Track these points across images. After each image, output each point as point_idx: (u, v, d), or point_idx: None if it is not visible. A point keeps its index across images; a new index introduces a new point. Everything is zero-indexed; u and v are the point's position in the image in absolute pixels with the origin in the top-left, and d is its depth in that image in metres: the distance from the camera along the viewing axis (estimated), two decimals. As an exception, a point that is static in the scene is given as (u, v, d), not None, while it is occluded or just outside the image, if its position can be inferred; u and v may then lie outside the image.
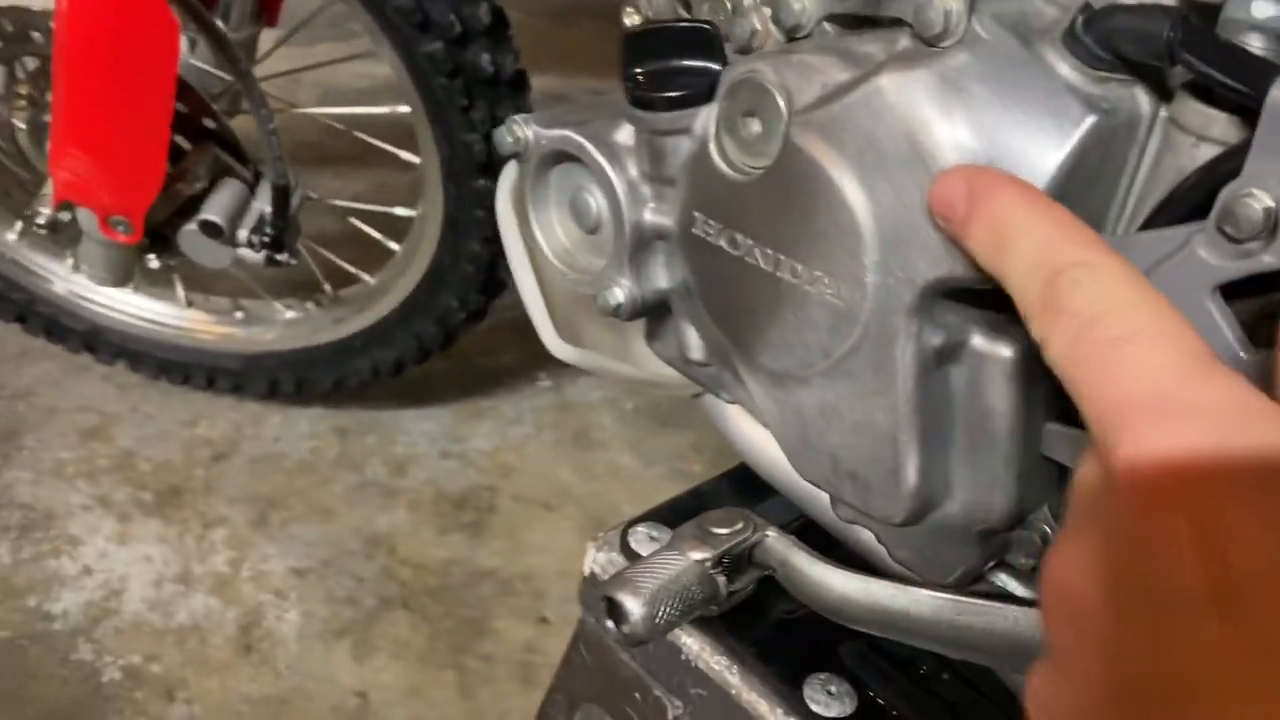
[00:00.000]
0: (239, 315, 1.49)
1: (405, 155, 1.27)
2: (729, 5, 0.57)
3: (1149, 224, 0.43)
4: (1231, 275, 0.39)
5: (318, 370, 1.45)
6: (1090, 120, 0.42)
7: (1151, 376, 0.30)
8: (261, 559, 1.37)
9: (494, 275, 1.30)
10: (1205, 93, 0.41)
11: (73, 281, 1.47)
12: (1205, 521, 0.26)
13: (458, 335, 1.39)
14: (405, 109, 1.18)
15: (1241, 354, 0.39)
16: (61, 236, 1.25)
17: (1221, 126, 0.41)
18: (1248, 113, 0.40)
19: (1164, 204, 0.43)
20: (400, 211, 1.33)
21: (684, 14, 0.64)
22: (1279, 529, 0.26)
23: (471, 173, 1.18)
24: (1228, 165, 0.40)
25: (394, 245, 1.38)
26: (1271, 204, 0.37)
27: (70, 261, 1.45)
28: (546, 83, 2.53)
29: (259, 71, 1.21)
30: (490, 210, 1.20)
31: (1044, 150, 0.41)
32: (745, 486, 0.66)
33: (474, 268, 1.27)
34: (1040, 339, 0.33)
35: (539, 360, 1.75)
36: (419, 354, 1.40)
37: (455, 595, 1.37)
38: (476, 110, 1.13)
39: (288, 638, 1.29)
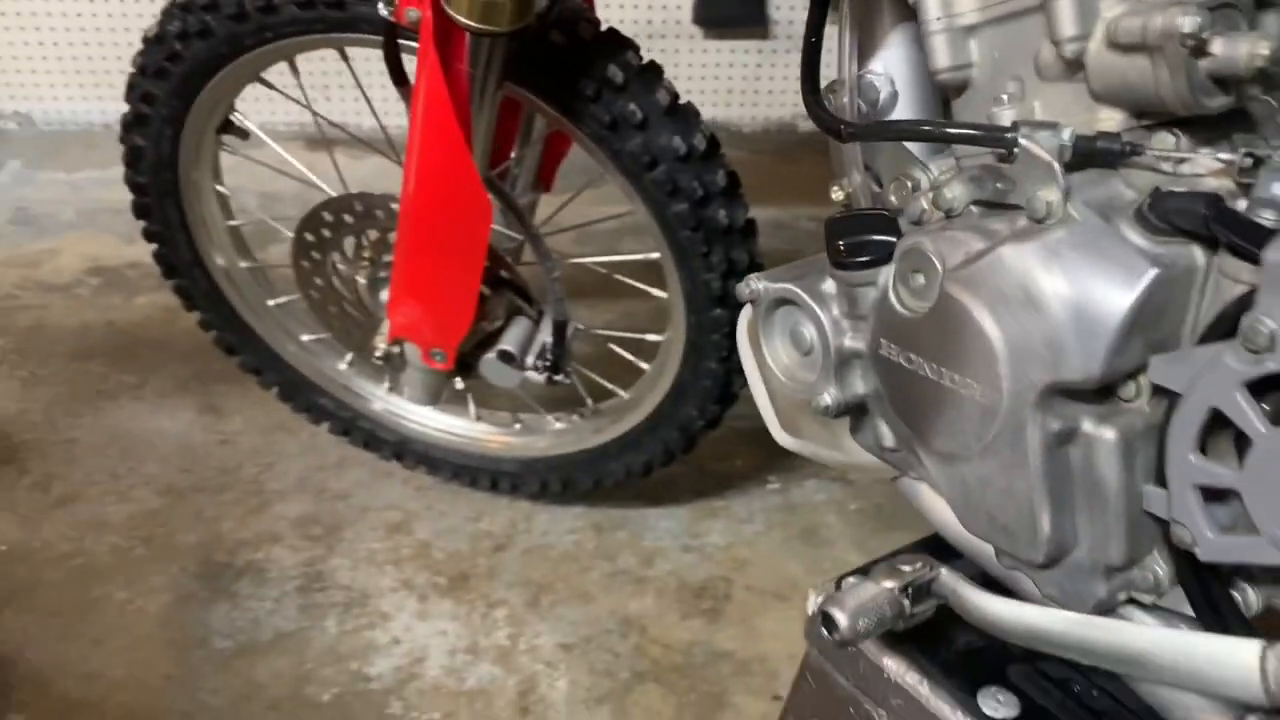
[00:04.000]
0: (517, 427, 1.75)
1: (655, 291, 1.52)
2: (909, 186, 0.78)
3: (1203, 340, 0.60)
4: (1252, 376, 0.56)
5: (580, 472, 1.68)
6: (1153, 273, 0.60)
7: None
8: (535, 635, 1.57)
9: (728, 389, 1.50)
10: (1237, 250, 0.59)
11: (388, 401, 1.77)
12: None
13: (697, 441, 1.59)
14: (655, 254, 1.43)
15: (1262, 430, 0.56)
16: (387, 365, 1.56)
17: (1249, 273, 0.58)
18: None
19: (1211, 326, 0.60)
20: (651, 337, 1.58)
21: (876, 189, 0.85)
22: None
23: (709, 305, 1.41)
24: (1250, 300, 0.57)
25: (644, 365, 1.60)
26: (1274, 327, 0.54)
27: (386, 385, 1.78)
28: (771, 213, 2.77)
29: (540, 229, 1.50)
30: (724, 335, 1.43)
31: (1119, 295, 0.60)
32: (936, 550, 0.84)
33: (711, 382, 1.49)
34: None
35: (767, 465, 1.91)
36: (665, 457, 1.60)
37: (698, 673, 1.52)
38: (714, 255, 1.36)
39: (558, 702, 1.49)
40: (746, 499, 1.86)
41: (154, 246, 1.68)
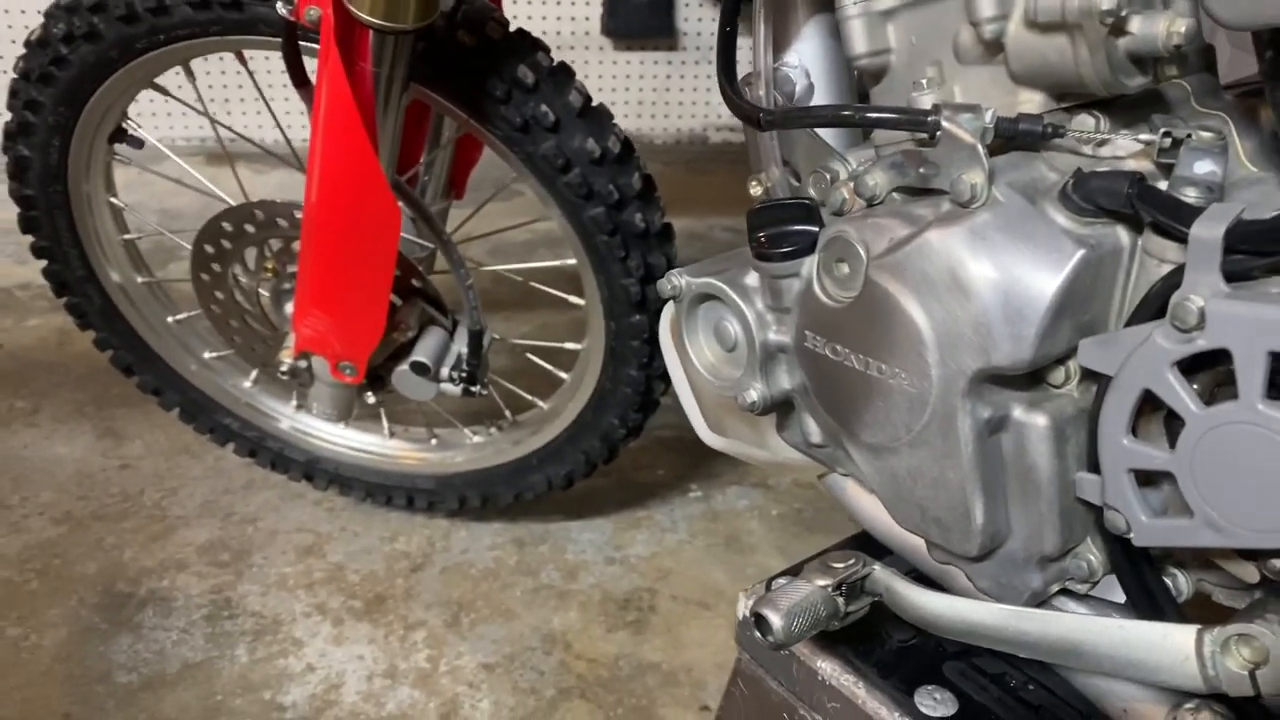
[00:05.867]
0: (434, 442, 1.70)
1: (573, 299, 1.49)
2: (828, 178, 0.77)
3: (1130, 321, 0.60)
4: (1182, 355, 0.55)
5: (500, 486, 1.65)
6: (1080, 253, 0.59)
7: None
8: (456, 655, 1.54)
9: (650, 396, 1.49)
10: (1161, 229, 0.58)
11: (296, 420, 1.72)
12: None
13: (619, 450, 1.57)
14: (572, 261, 1.40)
15: (1195, 410, 0.55)
16: (293, 381, 1.50)
17: (1174, 252, 0.58)
18: (1188, 242, 0.56)
19: (1139, 307, 0.59)
20: (569, 346, 1.55)
21: (794, 183, 0.84)
22: None
23: (628, 311, 1.39)
24: (1176, 278, 0.56)
25: (563, 375, 1.57)
26: (1202, 304, 0.54)
27: (294, 402, 1.72)
28: (686, 223, 2.78)
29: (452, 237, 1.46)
30: (644, 341, 1.41)
31: (1045, 277, 0.59)
32: (865, 548, 0.82)
33: (631, 390, 1.47)
34: None
35: (690, 473, 1.92)
36: (586, 468, 1.58)
37: (624, 686, 1.51)
38: (632, 259, 1.34)
39: (481, 724, 1.47)
40: (669, 508, 1.86)
41: (44, 263, 1.60)
